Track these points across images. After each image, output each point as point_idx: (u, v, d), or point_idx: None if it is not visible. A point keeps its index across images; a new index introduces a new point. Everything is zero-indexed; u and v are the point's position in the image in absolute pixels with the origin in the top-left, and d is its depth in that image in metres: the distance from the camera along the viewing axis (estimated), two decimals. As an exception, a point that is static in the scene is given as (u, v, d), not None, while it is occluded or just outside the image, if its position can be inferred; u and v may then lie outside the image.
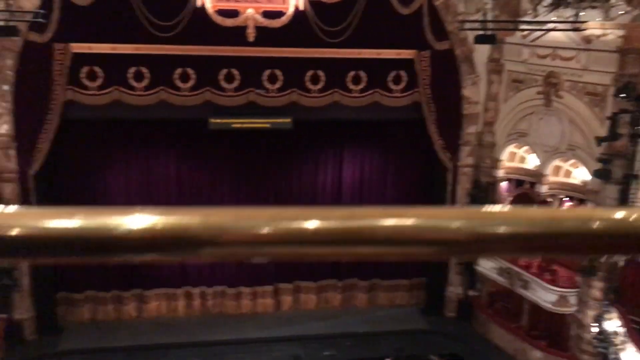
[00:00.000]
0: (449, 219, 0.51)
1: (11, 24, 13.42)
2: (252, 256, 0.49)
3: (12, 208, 0.43)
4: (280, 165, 18.31)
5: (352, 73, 17.13)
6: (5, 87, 15.32)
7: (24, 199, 15.98)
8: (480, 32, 15.28)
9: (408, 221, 0.52)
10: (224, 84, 16.66)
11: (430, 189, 18.87)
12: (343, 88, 17.20)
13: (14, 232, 0.41)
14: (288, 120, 16.94)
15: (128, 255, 0.43)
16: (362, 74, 17.17)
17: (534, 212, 0.53)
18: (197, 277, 18.64)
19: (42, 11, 14.25)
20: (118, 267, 17.91)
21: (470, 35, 16.23)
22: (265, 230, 0.49)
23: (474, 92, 17.48)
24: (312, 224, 0.50)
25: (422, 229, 0.52)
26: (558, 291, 15.44)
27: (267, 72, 16.77)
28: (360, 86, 17.28)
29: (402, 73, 17.36)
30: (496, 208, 0.55)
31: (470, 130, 17.76)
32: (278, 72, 16.80)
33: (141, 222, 0.42)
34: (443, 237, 0.51)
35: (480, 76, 17.38)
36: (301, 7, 15.93)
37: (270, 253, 0.50)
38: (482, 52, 17.05)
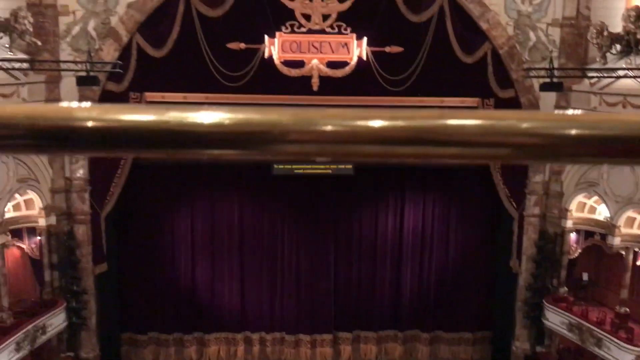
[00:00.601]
0: (520, 120, 0.51)
1: (92, 74, 14.32)
2: (319, 155, 0.51)
3: (89, 103, 0.46)
4: (341, 211, 18.37)
5: (414, 121, 17.16)
6: (84, 134, 16.21)
7: (95, 240, 16.65)
8: (547, 80, 15.08)
9: (475, 121, 0.52)
10: (288, 132, 17.04)
11: (495, 238, 18.40)
12: (405, 135, 17.23)
13: (91, 124, 0.45)
14: (349, 166, 17.08)
15: (204, 150, 0.46)
16: (425, 121, 17.18)
17: (611, 115, 0.53)
18: (257, 322, 18.66)
19: (120, 62, 15.18)
20: (181, 308, 18.20)
21: (536, 83, 16.04)
22: (333, 128, 0.50)
23: (540, 140, 17.12)
24: (382, 123, 0.51)
25: (490, 129, 0.52)
26: (635, 351, 14.49)
27: (330, 120, 17.05)
28: (423, 134, 17.27)
29: (466, 121, 17.26)
30: (571, 111, 0.55)
31: (537, 179, 17.31)
32: (341, 120, 17.06)
33: (214, 117, 0.45)
34: (513, 139, 0.51)
35: (546, 124, 17.05)
36: (364, 57, 16.27)
37: (341, 151, 0.51)
38: (548, 100, 16.77)
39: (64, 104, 0.45)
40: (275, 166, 17.01)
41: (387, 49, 16.30)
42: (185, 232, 18.28)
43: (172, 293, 18.25)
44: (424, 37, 16.06)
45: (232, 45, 16.06)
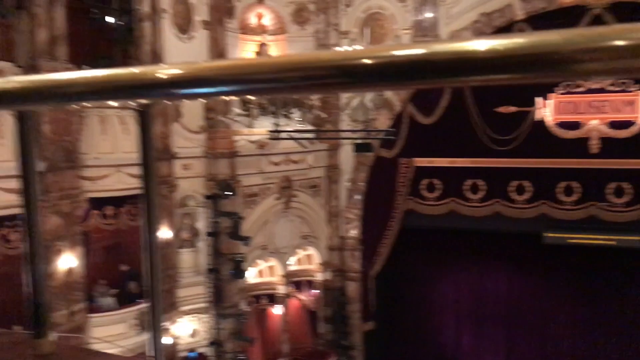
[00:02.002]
0: None
1: (367, 141, 15.47)
2: (612, 73, 0.47)
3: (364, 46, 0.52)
4: (626, 288, 16.16)
5: None
6: (357, 197, 17.47)
7: (364, 298, 17.50)
8: None
9: None
10: (561, 197, 15.93)
11: None
12: None
13: (370, 61, 0.51)
14: (639, 237, 15.08)
15: (482, 76, 0.48)
16: None
17: None
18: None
19: (393, 130, 16.13)
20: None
21: None
22: (629, 42, 0.45)
23: None
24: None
25: None
26: None
27: (612, 185, 15.46)
28: None
29: None
30: None
31: None
32: (626, 185, 15.33)
33: (492, 43, 0.47)
34: None
35: None
36: (655, 115, 14.56)
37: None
38: None
39: (344, 49, 0.54)
40: (546, 234, 15.92)
41: (684, 105, 14.33)
42: (450, 298, 18.06)
43: (434, 359, 18.01)
44: None
45: (502, 109, 15.87)
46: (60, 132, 10.80)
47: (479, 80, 0.50)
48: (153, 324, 0.78)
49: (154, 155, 0.78)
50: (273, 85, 0.58)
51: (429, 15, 16.01)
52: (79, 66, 11.71)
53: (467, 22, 15.63)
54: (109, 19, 12.44)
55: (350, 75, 0.54)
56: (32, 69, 10.99)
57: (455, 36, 15.80)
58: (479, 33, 15.58)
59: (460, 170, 16.93)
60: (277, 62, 0.57)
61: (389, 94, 16.91)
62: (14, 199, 10.00)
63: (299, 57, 0.56)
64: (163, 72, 0.60)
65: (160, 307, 0.78)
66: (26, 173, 0.75)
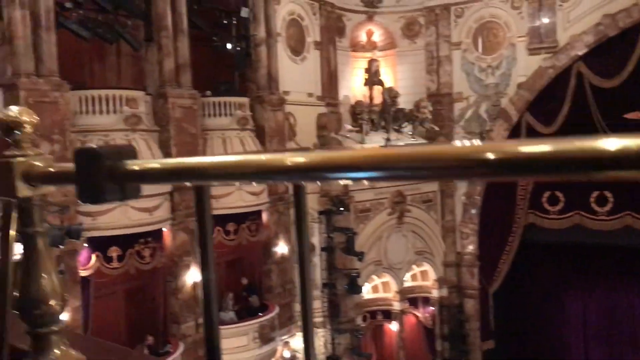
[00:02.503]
0: None
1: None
2: None
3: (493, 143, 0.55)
4: None
5: None
6: (473, 211, 16.98)
7: (483, 315, 16.91)
8: None
9: None
10: None
11: None
12: None
13: (492, 156, 0.53)
14: None
15: (611, 173, 0.47)
16: None
17: None
18: None
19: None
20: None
21: None
22: None
23: None
24: None
25: None
26: None
27: None
28: None
29: None
30: None
31: None
32: None
33: (624, 142, 0.47)
34: None
35: None
36: None
37: None
38: None
39: (470, 144, 0.57)
40: (689, 249, 14.56)
41: None
42: (576, 317, 16.98)
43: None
44: None
45: (631, 115, 14.80)
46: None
47: (608, 176, 0.50)
48: (305, 333, 0.87)
49: (307, 213, 0.87)
50: (380, 174, 0.63)
51: (545, 20, 15.34)
52: (201, 92, 12.46)
53: (588, 26, 14.79)
54: (228, 46, 13.14)
55: (476, 167, 0.56)
56: (160, 96, 11.85)
57: (575, 40, 15.00)
58: (602, 36, 14.69)
59: (586, 182, 15.94)
60: (393, 155, 0.62)
61: (505, 102, 16.36)
62: (146, 217, 10.80)
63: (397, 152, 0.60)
64: (289, 159, 0.66)
65: (311, 317, 0.86)
66: (203, 238, 0.86)
